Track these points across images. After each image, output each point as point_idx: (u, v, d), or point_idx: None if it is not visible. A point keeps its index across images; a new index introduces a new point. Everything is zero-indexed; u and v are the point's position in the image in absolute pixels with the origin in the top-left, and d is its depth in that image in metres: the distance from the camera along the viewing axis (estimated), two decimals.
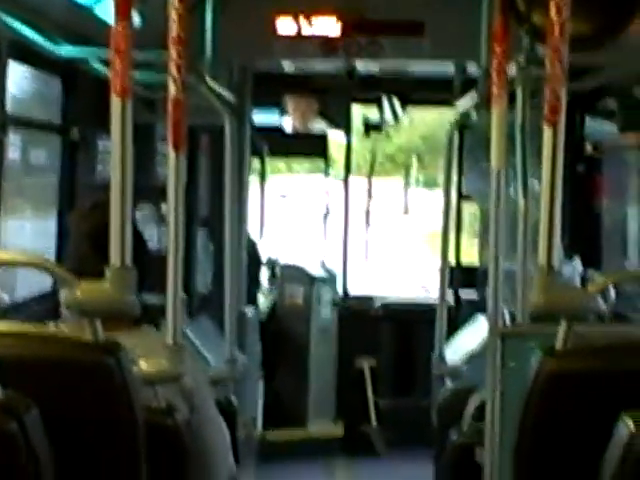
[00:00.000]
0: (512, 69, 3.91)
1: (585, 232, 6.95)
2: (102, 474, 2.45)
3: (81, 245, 3.15)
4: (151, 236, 5.06)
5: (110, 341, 2.57)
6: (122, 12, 2.52)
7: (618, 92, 6.16)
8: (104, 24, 3.17)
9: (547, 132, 2.55)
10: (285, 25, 5.39)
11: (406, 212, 8.79)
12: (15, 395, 2.06)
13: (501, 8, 3.67)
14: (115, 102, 2.52)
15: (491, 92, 3.79)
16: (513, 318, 4.08)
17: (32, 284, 4.88)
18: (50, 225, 5.35)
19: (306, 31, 5.42)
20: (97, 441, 2.45)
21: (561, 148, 2.55)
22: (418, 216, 12.21)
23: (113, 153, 2.58)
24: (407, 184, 10.65)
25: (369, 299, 8.06)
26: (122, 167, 2.58)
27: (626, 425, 2.00)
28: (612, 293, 5.12)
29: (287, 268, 7.86)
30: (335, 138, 8.18)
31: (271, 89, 7.14)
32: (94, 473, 2.42)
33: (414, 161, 6.37)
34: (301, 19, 5.39)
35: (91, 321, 2.56)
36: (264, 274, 7.86)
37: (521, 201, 4.18)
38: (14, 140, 4.77)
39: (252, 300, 6.80)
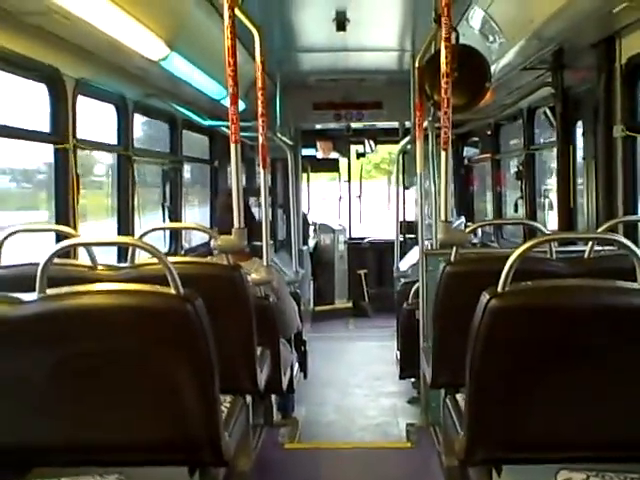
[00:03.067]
0: (426, 124, 5.45)
1: (465, 203, 9.68)
2: (235, 330, 3.48)
3: (221, 217, 4.52)
4: (255, 212, 6.31)
5: (236, 264, 3.55)
6: (233, 102, 3.57)
7: (478, 133, 8.93)
8: (226, 108, 3.64)
9: (442, 154, 3.59)
10: (316, 107, 8.63)
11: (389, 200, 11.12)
12: (189, 291, 2.53)
13: (418, 93, 5.11)
14: (232, 147, 3.56)
15: (416, 135, 5.44)
16: (431, 246, 5.38)
17: (198, 239, 7.23)
18: (206, 210, 8.12)
19: (326, 109, 8.62)
20: (231, 313, 3.44)
21: (450, 162, 3.64)
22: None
23: (232, 175, 3.70)
24: (389, 182, 13.32)
25: (362, 239, 11.10)
26: (237, 182, 3.66)
27: (484, 295, 2.49)
28: (479, 233, 8.06)
29: (322, 226, 10.91)
30: (343, 161, 11.43)
31: (310, 137, 10.23)
32: (230, 330, 3.34)
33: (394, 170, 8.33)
34: (323, 104, 8.61)
35: (226, 255, 3.55)
36: (311, 230, 10.78)
37: (432, 188, 5.71)
38: (187, 168, 7.44)
39: (305, 242, 9.57)
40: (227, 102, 3.73)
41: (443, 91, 3.61)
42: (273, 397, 5.25)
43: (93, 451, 2.67)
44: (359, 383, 7.04)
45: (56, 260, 2.70)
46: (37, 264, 2.61)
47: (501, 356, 2.55)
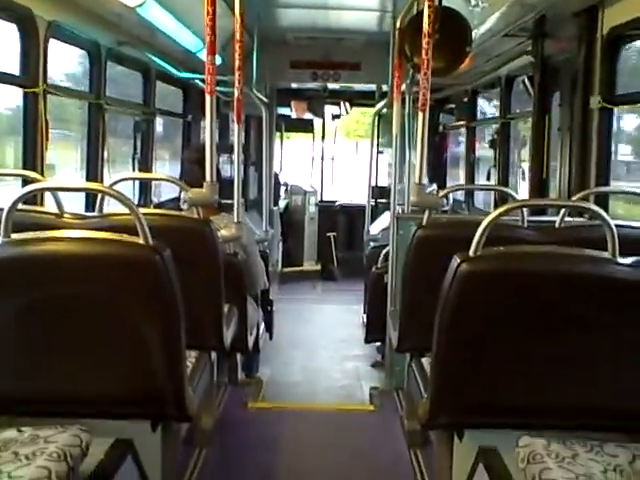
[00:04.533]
0: (404, 87, 5.39)
1: (439, 170, 9.71)
2: (203, 286, 3.45)
3: (191, 170, 4.31)
4: (227, 170, 7.41)
5: (206, 219, 3.59)
6: (211, 55, 3.55)
7: (455, 100, 8.87)
8: (202, 61, 3.70)
9: (420, 115, 3.60)
10: (293, 65, 8.53)
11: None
12: (158, 241, 2.53)
13: (398, 54, 5.00)
14: (207, 99, 3.53)
15: (393, 98, 5.36)
16: (402, 211, 5.28)
17: (169, 192, 7.10)
18: (177, 163, 7.71)
19: (303, 68, 8.53)
20: (200, 268, 3.41)
21: (427, 123, 3.60)
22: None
23: (206, 128, 3.64)
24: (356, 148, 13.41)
25: (333, 202, 11.06)
26: (211, 134, 3.61)
27: (455, 259, 2.52)
28: (450, 199, 7.75)
29: (293, 186, 10.87)
30: (318, 122, 11.34)
31: (285, 96, 10.09)
32: (198, 286, 3.32)
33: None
34: (300, 63, 8.52)
35: (196, 208, 3.58)
36: (282, 190, 10.82)
37: (407, 152, 5.75)
38: (159, 122, 7.16)
39: (276, 202, 9.52)
40: (203, 55, 3.65)
41: (424, 52, 3.61)
42: (238, 356, 5.24)
43: (55, 401, 2.64)
44: (325, 345, 7.05)
45: (22, 206, 2.64)
46: (1, 209, 2.55)
47: (470, 320, 2.56)
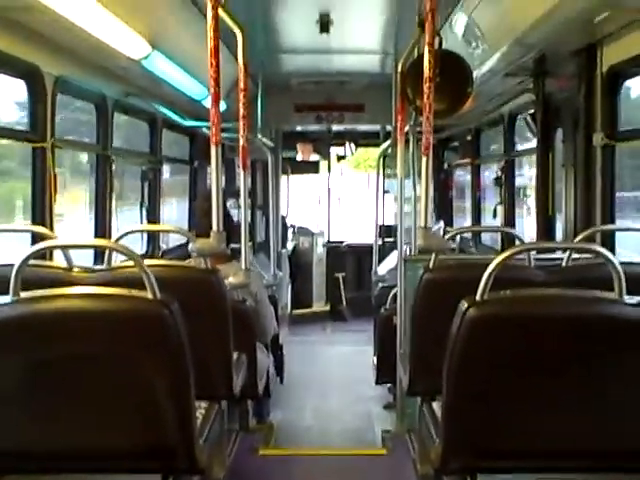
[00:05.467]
0: (407, 128, 5.39)
1: (445, 208, 9.66)
2: (211, 335, 3.44)
3: (201, 219, 4.43)
4: (234, 215, 6.72)
5: (213, 268, 3.61)
6: (215, 103, 3.60)
7: (458, 138, 8.93)
8: (207, 108, 3.75)
9: (423, 159, 3.67)
10: (298, 109, 8.60)
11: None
12: (166, 295, 2.53)
13: (400, 97, 4.99)
14: (213, 148, 3.61)
15: (397, 139, 5.37)
16: (410, 251, 5.47)
17: (176, 240, 7.09)
18: (184, 209, 8.00)
19: (307, 112, 8.59)
20: (208, 318, 3.40)
21: (430, 167, 3.71)
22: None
23: (212, 174, 3.73)
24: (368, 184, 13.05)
25: (341, 242, 11.07)
26: (217, 184, 3.69)
27: (462, 304, 2.50)
28: (457, 239, 7.63)
29: (300, 229, 10.90)
30: (323, 163, 11.40)
31: (291, 139, 10.23)
32: (206, 335, 3.31)
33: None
34: (305, 106, 8.59)
35: (203, 258, 3.61)
36: (290, 232, 10.83)
37: (412, 193, 5.73)
38: (166, 168, 7.26)
39: (284, 245, 9.60)
40: (208, 102, 3.70)
41: (425, 96, 3.64)
42: (249, 402, 5.19)
43: (66, 458, 2.63)
44: (336, 387, 7.02)
45: (31, 261, 2.64)
46: (11, 265, 2.56)
47: (478, 365, 2.54)
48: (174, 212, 8.12)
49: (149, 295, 2.53)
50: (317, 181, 11.68)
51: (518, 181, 7.09)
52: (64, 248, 3.31)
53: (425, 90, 3.67)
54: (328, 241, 11.20)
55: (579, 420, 2.61)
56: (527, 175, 7.23)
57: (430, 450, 2.90)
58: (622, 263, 2.64)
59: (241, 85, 4.34)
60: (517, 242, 4.55)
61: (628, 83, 4.65)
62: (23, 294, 2.52)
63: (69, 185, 5.50)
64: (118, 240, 3.43)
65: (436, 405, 3.38)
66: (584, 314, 2.55)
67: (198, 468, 2.74)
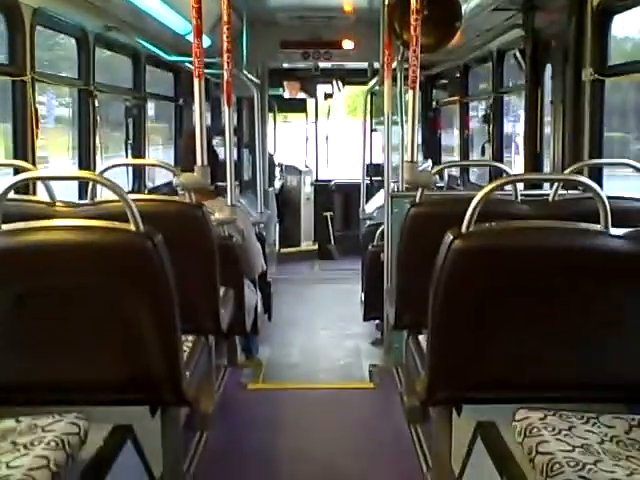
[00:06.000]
0: (395, 64, 5.45)
1: (433, 147, 9.70)
2: (197, 270, 3.47)
3: (187, 155, 4.23)
4: (220, 152, 6.56)
5: (198, 203, 3.63)
6: (198, 38, 3.59)
7: (447, 76, 8.93)
8: (191, 43, 3.61)
9: (410, 93, 3.69)
10: (284, 45, 8.52)
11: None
12: (149, 227, 2.52)
13: (388, 31, 5.13)
14: (195, 82, 3.59)
15: (384, 76, 5.42)
16: (397, 189, 5.42)
17: (162, 178, 7.08)
18: (170, 150, 8.07)
19: (294, 48, 8.53)
20: (193, 253, 3.40)
21: (417, 101, 3.68)
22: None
23: (195, 112, 3.72)
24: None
25: (329, 181, 11.00)
26: (200, 119, 3.66)
27: (448, 236, 2.52)
28: (445, 177, 8.14)
29: (288, 167, 10.77)
30: (310, 102, 11.22)
31: (277, 77, 10.01)
32: (192, 270, 3.34)
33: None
34: (291, 43, 8.51)
35: (188, 193, 3.62)
36: (277, 171, 10.61)
37: (399, 129, 5.66)
38: (150, 106, 7.14)
39: (271, 183, 9.45)
40: (192, 37, 3.66)
41: (412, 29, 3.59)
42: (237, 338, 5.23)
43: (52, 390, 2.63)
44: (324, 325, 7.05)
45: (13, 196, 2.65)
46: None
47: (463, 296, 2.55)
48: (160, 155, 8.10)
49: (132, 227, 2.51)
50: (305, 119, 11.50)
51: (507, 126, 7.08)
52: (45, 180, 3.27)
53: (412, 22, 3.62)
54: (316, 180, 11.11)
55: (563, 351, 2.62)
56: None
57: (416, 383, 2.93)
58: (609, 197, 2.64)
59: (225, 18, 4.27)
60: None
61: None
62: (4, 226, 2.50)
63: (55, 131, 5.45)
64: (101, 174, 3.37)
65: (422, 338, 3.42)
66: (569, 245, 2.55)
67: (185, 400, 2.77)
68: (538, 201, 3.71)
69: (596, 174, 4.52)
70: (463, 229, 2.53)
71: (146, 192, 6.50)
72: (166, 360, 2.63)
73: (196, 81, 3.58)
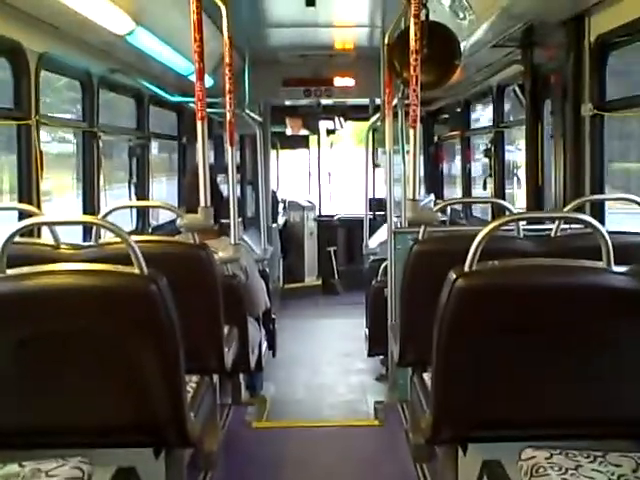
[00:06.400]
0: (395, 101, 5.49)
1: (435, 181, 9.75)
2: (201, 310, 3.47)
3: (188, 196, 4.46)
4: (224, 190, 6.72)
5: (202, 243, 3.62)
6: (200, 78, 3.60)
7: (448, 110, 8.95)
8: (193, 83, 3.62)
9: (411, 132, 3.61)
10: (286, 83, 8.58)
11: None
12: (154, 270, 2.52)
13: (388, 69, 5.14)
14: (199, 124, 3.63)
15: (385, 113, 5.52)
16: (400, 224, 5.42)
17: (167, 216, 7.12)
18: (174, 186, 8.12)
19: (295, 86, 8.58)
20: (197, 293, 3.42)
21: (418, 139, 3.60)
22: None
23: (198, 153, 3.74)
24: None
25: (332, 216, 11.11)
26: (203, 159, 3.69)
27: (451, 274, 2.50)
28: (448, 211, 8.03)
29: (291, 203, 10.89)
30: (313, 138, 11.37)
31: (280, 114, 10.19)
32: (196, 310, 3.32)
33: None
34: (293, 80, 8.57)
35: (192, 233, 3.63)
36: (280, 207, 10.74)
37: (401, 166, 5.67)
38: (154, 145, 7.36)
39: (274, 220, 9.58)
40: (194, 78, 3.69)
41: (412, 68, 3.60)
42: (241, 376, 5.21)
43: (55, 434, 2.62)
44: (328, 361, 7.04)
45: (18, 239, 2.64)
46: None
47: (467, 335, 2.53)
48: (164, 192, 8.14)
49: (136, 271, 2.52)
50: (308, 156, 11.65)
51: (508, 156, 7.12)
52: (50, 225, 3.29)
53: (412, 62, 3.62)
54: (319, 215, 11.16)
55: (568, 389, 2.61)
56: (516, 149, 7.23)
57: (421, 420, 2.91)
58: (610, 233, 2.64)
59: (227, 59, 4.33)
60: (507, 213, 4.52)
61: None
62: (9, 271, 2.51)
63: (57, 168, 5.48)
64: (105, 216, 3.41)
65: (427, 376, 3.39)
66: (572, 283, 2.55)
67: (189, 441, 2.75)
68: (540, 237, 3.71)
69: (598, 209, 4.54)
70: (466, 268, 2.53)
71: (150, 231, 6.56)
72: (170, 402, 2.62)
73: (199, 123, 3.61)
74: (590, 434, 2.66)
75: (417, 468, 4.09)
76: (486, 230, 2.59)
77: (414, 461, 4.14)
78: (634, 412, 2.64)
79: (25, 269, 2.52)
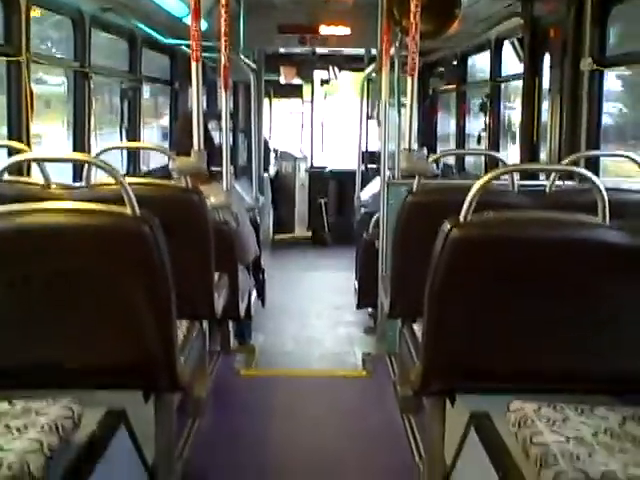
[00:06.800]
0: (392, 51, 5.43)
1: (429, 134, 9.64)
2: (193, 255, 3.44)
3: (182, 139, 4.30)
4: (216, 137, 6.20)
5: (195, 187, 3.59)
6: (195, 21, 3.61)
7: (445, 63, 8.87)
8: (188, 26, 3.66)
9: (409, 80, 3.67)
10: (281, 30, 8.37)
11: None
12: (146, 211, 2.51)
13: (386, 17, 5.11)
14: (193, 66, 3.61)
15: (382, 63, 5.36)
16: (393, 176, 5.33)
17: (157, 161, 7.12)
18: (166, 129, 8.09)
19: (291, 33, 8.40)
20: (189, 237, 3.39)
21: (415, 88, 3.70)
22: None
23: (193, 96, 3.74)
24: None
25: (324, 168, 10.99)
26: (197, 103, 3.68)
27: (445, 225, 2.51)
28: (441, 165, 7.84)
29: (283, 153, 10.80)
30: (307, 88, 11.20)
31: (274, 62, 10.03)
32: (188, 255, 3.28)
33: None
34: (288, 27, 8.37)
35: (184, 177, 3.58)
36: (272, 157, 10.68)
37: (396, 116, 5.79)
38: (146, 89, 7.20)
39: (266, 169, 9.55)
40: (189, 20, 3.65)
41: (412, 15, 3.56)
42: (230, 324, 5.21)
43: (46, 373, 2.61)
44: (317, 312, 7.05)
45: (7, 177, 2.61)
46: None
47: (460, 286, 2.53)
48: (155, 139, 8.02)
49: (128, 211, 2.48)
50: (302, 106, 11.48)
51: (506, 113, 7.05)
52: (40, 161, 3.23)
53: (412, 9, 3.61)
54: (311, 166, 11.05)
55: (558, 342, 2.62)
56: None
57: (410, 372, 2.92)
58: (606, 189, 2.62)
59: (223, 1, 4.23)
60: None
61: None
62: None
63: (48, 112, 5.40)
64: (97, 157, 3.34)
65: (416, 327, 3.41)
66: (567, 237, 2.54)
67: (179, 385, 2.75)
68: (535, 192, 3.69)
69: (592, 166, 4.50)
70: (461, 219, 2.52)
71: (141, 175, 6.43)
72: (161, 344, 2.62)
73: (194, 65, 3.56)
74: (578, 388, 2.66)
75: (404, 419, 4.11)
76: (482, 181, 2.58)
77: (401, 412, 4.16)
78: (623, 367, 2.65)
79: (15, 206, 2.47)
